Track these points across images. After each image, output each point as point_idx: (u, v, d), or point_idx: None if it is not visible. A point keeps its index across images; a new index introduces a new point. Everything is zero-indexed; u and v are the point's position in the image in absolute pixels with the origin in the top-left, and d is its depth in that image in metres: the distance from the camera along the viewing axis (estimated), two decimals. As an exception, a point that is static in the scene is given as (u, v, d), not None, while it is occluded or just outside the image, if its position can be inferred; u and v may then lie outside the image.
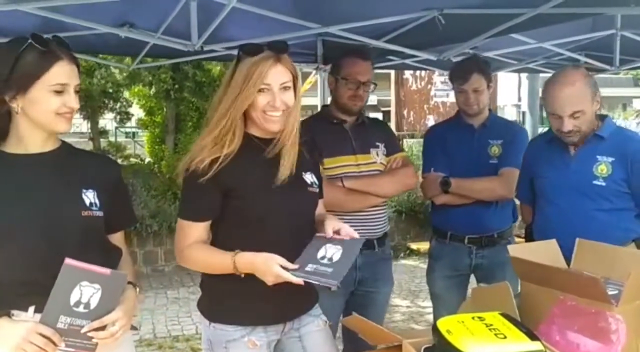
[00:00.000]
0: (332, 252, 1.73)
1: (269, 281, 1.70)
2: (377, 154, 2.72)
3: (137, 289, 1.76)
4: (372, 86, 2.74)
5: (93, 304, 1.51)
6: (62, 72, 1.58)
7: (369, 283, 2.69)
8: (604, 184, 2.38)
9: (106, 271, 1.53)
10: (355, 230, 1.82)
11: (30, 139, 1.64)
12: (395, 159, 2.77)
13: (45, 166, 1.65)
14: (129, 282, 1.73)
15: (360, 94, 2.69)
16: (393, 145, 2.84)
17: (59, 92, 1.58)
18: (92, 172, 1.73)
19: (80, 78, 1.66)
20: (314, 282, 1.67)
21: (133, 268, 1.86)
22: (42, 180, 1.63)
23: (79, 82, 1.64)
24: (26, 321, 1.52)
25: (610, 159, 2.38)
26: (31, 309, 1.55)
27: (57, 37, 1.64)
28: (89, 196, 1.67)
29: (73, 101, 1.60)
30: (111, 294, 1.55)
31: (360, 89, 2.68)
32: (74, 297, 1.49)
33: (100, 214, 1.68)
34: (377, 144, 2.74)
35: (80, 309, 1.50)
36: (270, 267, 1.68)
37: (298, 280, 1.65)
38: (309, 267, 1.70)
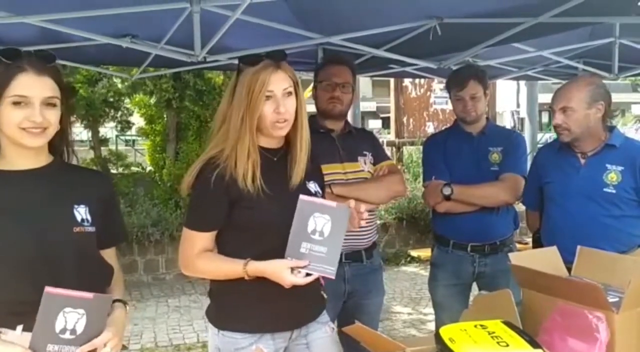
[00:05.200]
0: (321, 223, 1.75)
1: (286, 286, 1.76)
2: (365, 163, 2.72)
3: (127, 307, 1.74)
4: (350, 89, 2.73)
5: (79, 330, 1.48)
6: (23, 84, 1.52)
7: (360, 294, 2.69)
8: (614, 191, 2.45)
9: (89, 295, 1.50)
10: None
11: (12, 154, 1.60)
12: (382, 167, 2.76)
13: (35, 183, 1.62)
14: (119, 300, 1.72)
15: (338, 95, 2.67)
16: (380, 155, 2.83)
17: (19, 105, 1.52)
18: (83, 187, 1.70)
19: (57, 91, 1.58)
20: (313, 274, 1.74)
21: (124, 284, 1.84)
22: (32, 197, 1.60)
23: (50, 95, 1.56)
24: (13, 342, 1.48)
25: (620, 168, 2.46)
26: (19, 327, 1.52)
27: (40, 50, 1.61)
28: (81, 212, 1.64)
29: (37, 115, 1.52)
30: (97, 317, 1.52)
31: (337, 90, 2.67)
32: (59, 325, 1.46)
33: (92, 229, 1.65)
34: (365, 152, 2.74)
35: (67, 335, 1.47)
36: (283, 277, 1.74)
37: (310, 278, 1.73)
38: (304, 249, 1.73)
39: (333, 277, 1.79)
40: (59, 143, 1.69)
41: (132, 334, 5.00)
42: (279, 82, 1.82)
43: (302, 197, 1.76)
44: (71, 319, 1.47)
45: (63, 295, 1.46)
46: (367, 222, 2.63)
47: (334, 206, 1.79)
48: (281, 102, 1.81)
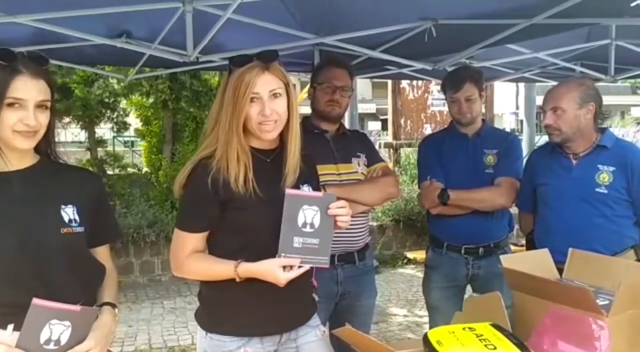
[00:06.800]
0: (311, 215, 1.75)
1: (280, 285, 1.75)
2: (359, 164, 2.72)
3: (116, 310, 1.73)
4: (349, 93, 2.74)
5: (64, 340, 1.48)
6: (20, 87, 1.52)
7: (352, 296, 2.70)
8: (606, 191, 2.46)
9: (76, 308, 1.50)
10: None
11: (3, 155, 1.59)
12: (376, 169, 2.77)
13: (22, 183, 1.61)
14: (109, 303, 1.72)
15: (337, 98, 2.69)
16: (374, 156, 2.84)
17: (14, 108, 1.52)
18: (71, 187, 1.69)
19: (49, 94, 1.58)
20: (307, 266, 1.75)
21: (117, 286, 1.83)
22: (19, 198, 1.59)
23: (44, 98, 1.57)
24: (2, 342, 1.48)
25: (612, 168, 2.47)
26: (10, 327, 1.51)
27: (33, 52, 1.60)
28: (68, 212, 1.63)
29: (31, 118, 1.53)
30: (82, 328, 1.52)
31: (336, 93, 2.68)
32: (43, 336, 1.45)
33: (80, 230, 1.64)
34: (359, 154, 2.75)
35: (51, 346, 1.47)
36: (276, 277, 1.74)
37: (303, 269, 1.74)
38: (297, 243, 1.73)
39: (327, 266, 1.80)
40: (45, 143, 1.67)
41: (127, 335, 4.99)
42: (265, 84, 1.80)
43: (288, 191, 1.75)
44: (56, 331, 1.47)
45: (50, 307, 1.46)
46: (359, 224, 2.66)
47: (321, 195, 1.80)
48: (267, 105, 1.80)
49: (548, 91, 2.58)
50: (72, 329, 1.49)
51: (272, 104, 1.81)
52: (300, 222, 1.74)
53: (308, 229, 1.74)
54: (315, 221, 1.75)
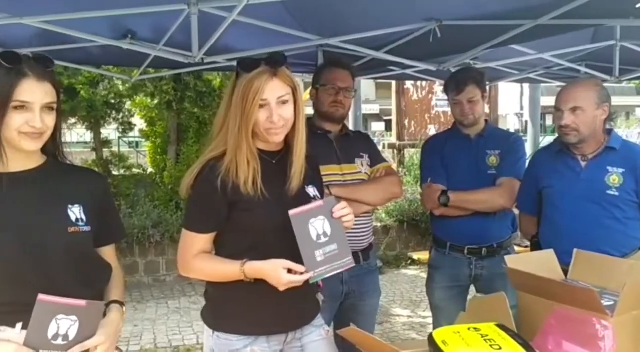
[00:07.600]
0: (320, 225, 1.75)
1: (281, 288, 1.75)
2: (362, 164, 2.74)
3: (124, 308, 1.74)
4: (352, 94, 2.76)
5: (72, 335, 1.49)
6: (26, 91, 1.53)
7: (356, 295, 2.71)
8: (617, 193, 2.45)
9: (81, 302, 1.51)
10: None
11: (8, 156, 1.59)
12: (379, 170, 2.79)
13: (29, 184, 1.62)
14: (117, 302, 1.73)
15: (341, 99, 2.70)
16: (377, 157, 2.85)
17: (19, 110, 1.53)
18: (78, 187, 1.70)
19: (55, 96, 1.59)
20: (336, 272, 1.75)
21: (123, 284, 1.83)
22: (26, 198, 1.60)
23: (50, 101, 1.58)
24: (10, 340, 1.49)
25: (621, 170, 2.46)
26: (19, 325, 1.53)
27: (38, 54, 1.61)
28: (75, 212, 1.65)
29: (37, 120, 1.54)
30: (90, 323, 1.53)
31: (340, 94, 2.70)
32: (51, 331, 1.47)
33: (87, 229, 1.65)
34: (362, 154, 2.77)
35: (59, 341, 1.48)
36: (279, 277, 1.73)
37: (308, 276, 1.73)
38: (319, 256, 1.74)
39: (353, 265, 1.82)
40: (52, 144, 1.69)
41: (132, 335, 5.01)
42: (273, 90, 1.80)
43: (291, 212, 1.74)
44: (64, 326, 1.48)
45: (56, 303, 1.47)
46: (363, 224, 2.67)
47: (322, 203, 1.80)
48: (275, 111, 1.80)
49: (563, 91, 2.52)
50: (79, 324, 1.50)
51: (280, 110, 1.81)
52: (314, 236, 1.74)
53: (323, 239, 1.75)
54: (326, 228, 1.76)
